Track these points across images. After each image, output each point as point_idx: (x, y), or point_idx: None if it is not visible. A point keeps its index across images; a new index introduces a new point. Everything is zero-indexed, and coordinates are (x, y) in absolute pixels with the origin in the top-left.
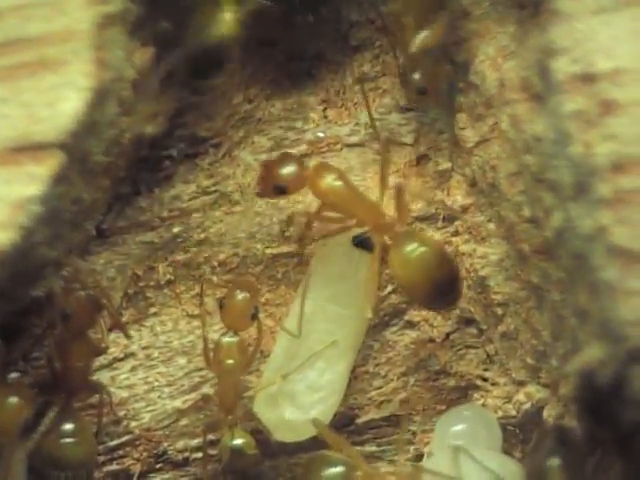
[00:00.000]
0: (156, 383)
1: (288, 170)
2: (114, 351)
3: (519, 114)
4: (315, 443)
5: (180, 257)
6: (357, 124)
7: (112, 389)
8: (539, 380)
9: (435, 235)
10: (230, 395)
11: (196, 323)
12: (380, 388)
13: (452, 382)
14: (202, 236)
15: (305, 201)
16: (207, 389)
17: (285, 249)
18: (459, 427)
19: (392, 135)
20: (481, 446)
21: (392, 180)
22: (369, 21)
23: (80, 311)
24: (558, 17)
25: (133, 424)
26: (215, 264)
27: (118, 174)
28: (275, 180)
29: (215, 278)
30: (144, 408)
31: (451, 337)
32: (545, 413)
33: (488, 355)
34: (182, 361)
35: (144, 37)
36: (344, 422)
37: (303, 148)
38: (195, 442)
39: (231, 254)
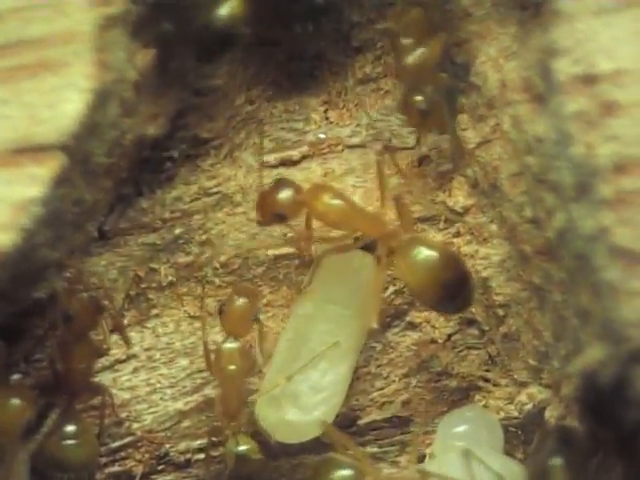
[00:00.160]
0: (158, 385)
1: (285, 196)
2: (116, 353)
3: (521, 115)
4: (317, 444)
5: (182, 259)
6: (358, 125)
7: (114, 391)
8: (541, 381)
9: (437, 236)
10: (233, 401)
11: (198, 324)
12: (382, 389)
13: (454, 383)
14: (204, 237)
15: None
16: (209, 390)
17: (287, 250)
18: (461, 428)
19: (393, 136)
20: (483, 447)
21: (394, 181)
22: (370, 22)
23: (82, 313)
24: (559, 18)
25: (135, 426)
26: (217, 265)
27: (120, 175)
28: (273, 208)
29: (217, 279)
30: (146, 410)
31: (453, 338)
32: (547, 414)
33: (490, 356)
34: (184, 362)
35: (145, 38)
36: (346, 423)
37: (304, 149)
38: (197, 443)
39: (233, 255)
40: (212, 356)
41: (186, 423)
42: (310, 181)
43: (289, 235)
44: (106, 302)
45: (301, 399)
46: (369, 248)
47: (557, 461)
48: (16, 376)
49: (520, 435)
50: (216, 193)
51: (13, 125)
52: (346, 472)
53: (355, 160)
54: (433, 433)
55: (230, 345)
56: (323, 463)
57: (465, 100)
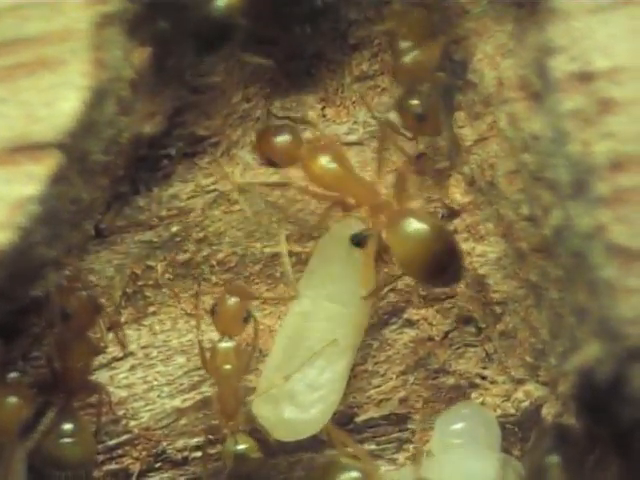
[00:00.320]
0: (155, 382)
1: (280, 143)
2: (113, 350)
3: (517, 112)
4: (314, 442)
5: (179, 256)
6: (355, 122)
7: (111, 388)
8: (538, 378)
9: None
10: (231, 401)
11: (195, 322)
12: (379, 387)
13: (451, 380)
14: (201, 235)
15: (304, 199)
16: (206, 388)
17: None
18: (458, 425)
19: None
20: (480, 445)
21: (391, 179)
22: (367, 20)
23: (81, 311)
24: (556, 15)
25: (132, 423)
26: (214, 263)
27: (117, 173)
28: (266, 151)
29: (214, 277)
30: (143, 407)
31: (450, 335)
32: (544, 411)
33: (487, 353)
34: (181, 360)
35: (142, 37)
36: (343, 421)
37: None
38: (194, 441)
39: (230, 253)
40: (208, 355)
41: (183, 421)
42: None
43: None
44: (103, 300)
45: (298, 397)
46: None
47: (554, 459)
48: (13, 374)
49: (517, 432)
50: (213, 191)
51: (10, 123)
52: (353, 474)
53: (352, 157)
54: (430, 430)
55: (225, 344)
56: (329, 466)
57: (462, 97)
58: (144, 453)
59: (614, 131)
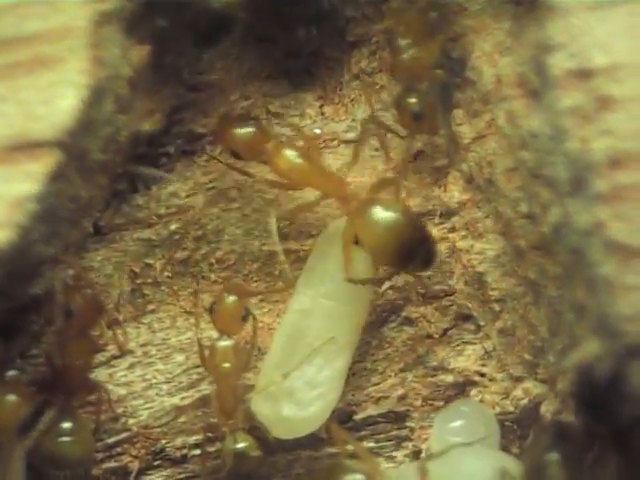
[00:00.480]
0: (154, 380)
1: (244, 136)
2: (112, 348)
3: (516, 110)
4: (313, 439)
5: (177, 254)
6: (354, 120)
7: (110, 386)
8: (536, 376)
9: (432, 231)
10: (229, 399)
11: (194, 320)
12: (378, 384)
13: (450, 378)
14: (199, 233)
15: (303, 197)
16: (205, 386)
17: (282, 246)
18: (457, 423)
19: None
20: (479, 442)
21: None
22: (365, 17)
23: (85, 309)
24: (554, 13)
25: (131, 421)
26: (212, 261)
27: (115, 171)
28: (228, 141)
29: (212, 275)
30: (142, 405)
31: (449, 333)
32: (543, 409)
33: (486, 351)
34: (180, 358)
35: (140, 35)
36: (342, 419)
37: (300, 144)
38: (193, 439)
39: (228, 251)
40: (207, 353)
41: (182, 419)
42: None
43: (284, 230)
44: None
45: (297, 395)
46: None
47: (553, 456)
48: (12, 372)
49: (516, 430)
50: (212, 188)
51: (9, 121)
52: (357, 477)
53: (351, 155)
54: (429, 428)
55: (224, 343)
56: (332, 468)
57: (460, 95)
58: (143, 451)
59: (613, 128)
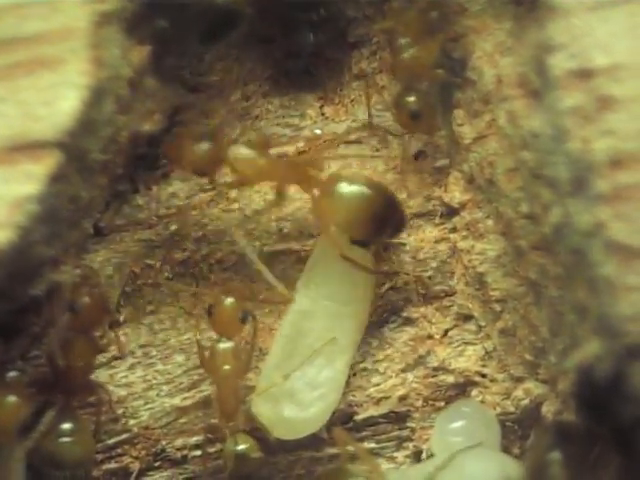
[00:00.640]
0: (154, 381)
1: (201, 152)
2: (112, 349)
3: (516, 110)
4: (314, 440)
5: (178, 255)
6: (354, 121)
7: (110, 387)
8: (537, 376)
9: (433, 232)
10: (230, 401)
11: (194, 321)
12: (379, 385)
13: (451, 378)
14: (200, 234)
15: (303, 197)
16: (206, 387)
17: (283, 246)
18: (458, 424)
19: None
20: (480, 443)
21: (390, 177)
22: (366, 18)
23: (91, 308)
24: (555, 13)
25: (132, 422)
26: (213, 262)
27: (116, 172)
28: (188, 160)
29: (213, 276)
30: (142, 406)
31: (449, 333)
32: (544, 409)
33: (486, 351)
34: (180, 359)
35: (141, 35)
36: (343, 419)
37: (300, 145)
38: (194, 440)
39: (229, 252)
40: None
41: (183, 419)
42: None
43: (285, 231)
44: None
45: (298, 395)
46: (366, 245)
47: (555, 455)
48: (12, 373)
49: (517, 430)
50: (212, 189)
51: (9, 122)
52: None
53: (351, 155)
54: (430, 429)
55: (224, 345)
56: (335, 473)
57: (461, 95)
58: (143, 452)
59: (614, 128)
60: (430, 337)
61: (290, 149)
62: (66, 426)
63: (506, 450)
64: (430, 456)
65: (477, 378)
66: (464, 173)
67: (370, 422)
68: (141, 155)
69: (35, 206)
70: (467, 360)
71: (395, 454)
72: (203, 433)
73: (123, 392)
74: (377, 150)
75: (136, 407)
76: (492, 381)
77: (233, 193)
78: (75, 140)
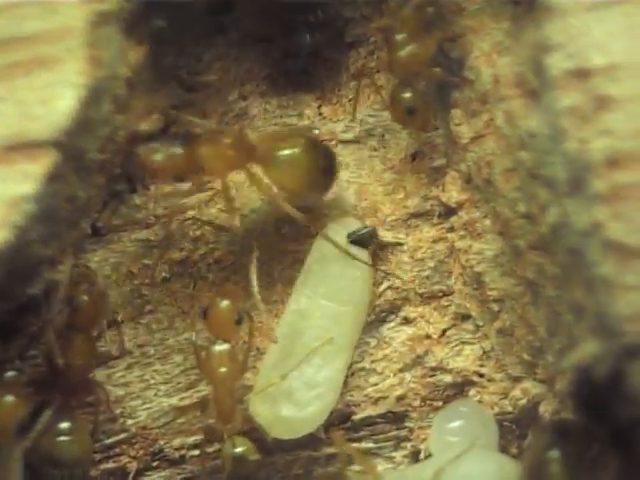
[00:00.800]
0: (152, 381)
1: (165, 160)
2: (110, 349)
3: (514, 110)
4: (312, 440)
5: (176, 255)
6: (352, 120)
7: (108, 387)
8: (535, 376)
9: (430, 231)
10: (227, 403)
11: (190, 321)
12: (376, 385)
13: (448, 378)
14: (197, 233)
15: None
16: (204, 386)
17: (281, 247)
18: (456, 424)
19: (386, 132)
20: (477, 442)
21: (388, 176)
22: (364, 18)
23: (91, 306)
24: (552, 13)
25: (129, 422)
26: (210, 262)
27: (113, 172)
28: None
29: (210, 276)
30: (140, 406)
31: (447, 333)
32: (541, 409)
33: (484, 351)
34: (178, 359)
35: (138, 35)
36: (341, 419)
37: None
38: (192, 440)
39: (227, 251)
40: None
41: (181, 419)
42: None
43: (283, 231)
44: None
45: (295, 395)
46: (364, 244)
47: (554, 453)
48: (10, 373)
49: (515, 430)
50: (210, 189)
51: (6, 122)
52: None
53: (349, 155)
54: (428, 428)
55: (220, 347)
56: (332, 478)
57: (458, 95)
58: (141, 452)
59: (611, 128)
60: (428, 337)
61: None
62: (64, 425)
63: (504, 450)
64: (428, 456)
65: (475, 378)
66: (461, 173)
67: (368, 422)
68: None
69: (32, 206)
70: (465, 360)
71: (393, 454)
72: (201, 433)
73: (121, 392)
74: (375, 150)
75: (134, 407)
76: (490, 381)
77: (231, 192)
78: (72, 139)
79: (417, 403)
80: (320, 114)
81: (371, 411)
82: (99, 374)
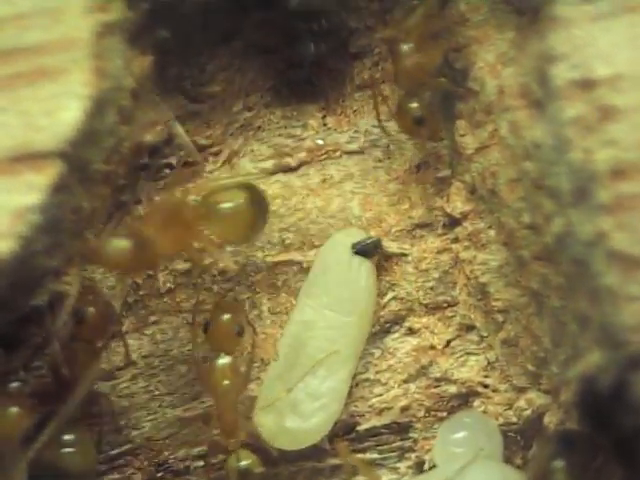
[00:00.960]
0: (157, 392)
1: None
2: (114, 360)
3: (518, 120)
4: (316, 451)
5: (180, 265)
6: (356, 131)
7: (113, 398)
8: (540, 386)
9: (435, 242)
10: (230, 417)
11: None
12: (381, 395)
13: (453, 389)
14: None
15: (306, 208)
16: (208, 398)
17: (285, 257)
18: (460, 434)
19: (392, 142)
20: (482, 453)
21: (392, 187)
22: (368, 28)
23: (96, 318)
24: (557, 23)
25: (134, 433)
26: (215, 272)
27: (118, 182)
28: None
29: (215, 287)
30: (145, 417)
31: (452, 344)
32: (546, 419)
33: (489, 362)
34: (182, 369)
35: (143, 46)
36: (345, 430)
37: (302, 155)
38: (196, 451)
39: (231, 262)
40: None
41: (185, 430)
42: (308, 187)
43: (287, 241)
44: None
45: (300, 406)
46: (368, 255)
47: (559, 463)
48: (14, 384)
49: (519, 441)
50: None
51: (11, 133)
52: None
53: (353, 166)
54: (432, 439)
55: (222, 361)
56: None
57: (463, 106)
58: (146, 463)
59: (615, 138)
60: (432, 347)
61: (292, 160)
62: (68, 437)
63: (508, 461)
64: (432, 467)
65: (479, 388)
66: (466, 183)
67: (372, 433)
68: (143, 165)
69: (37, 216)
70: (469, 370)
71: (397, 465)
72: (205, 444)
73: (125, 403)
74: (380, 161)
75: (138, 418)
76: (494, 391)
77: None
78: (77, 150)
79: (421, 414)
80: (324, 125)
81: (375, 422)
82: (104, 385)
